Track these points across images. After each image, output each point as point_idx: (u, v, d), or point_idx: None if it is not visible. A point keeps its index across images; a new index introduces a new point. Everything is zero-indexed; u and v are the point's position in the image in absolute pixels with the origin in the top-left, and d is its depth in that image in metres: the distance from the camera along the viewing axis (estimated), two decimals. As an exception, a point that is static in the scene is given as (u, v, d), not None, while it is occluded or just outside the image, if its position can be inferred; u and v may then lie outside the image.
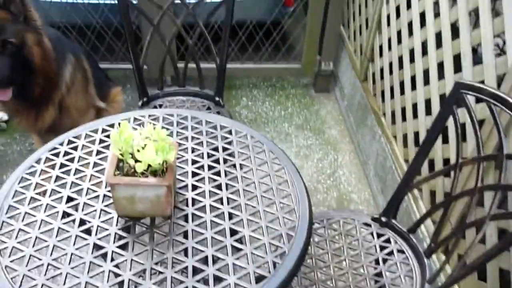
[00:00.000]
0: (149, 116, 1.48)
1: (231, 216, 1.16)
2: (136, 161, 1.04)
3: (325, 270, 1.43)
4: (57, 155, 1.32)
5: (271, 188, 1.24)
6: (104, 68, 2.62)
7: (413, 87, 1.98)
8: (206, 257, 1.04)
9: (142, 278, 1.00)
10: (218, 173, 1.28)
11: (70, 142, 1.37)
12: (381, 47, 2.35)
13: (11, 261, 1.03)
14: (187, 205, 1.17)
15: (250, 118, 2.96)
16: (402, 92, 2.09)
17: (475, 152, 1.25)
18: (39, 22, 1.85)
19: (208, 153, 1.34)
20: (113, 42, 2.93)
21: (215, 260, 1.04)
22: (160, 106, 2.09)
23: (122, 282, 1.00)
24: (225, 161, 1.33)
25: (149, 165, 1.05)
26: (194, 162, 1.31)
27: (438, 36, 1.78)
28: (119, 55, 2.98)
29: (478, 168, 1.19)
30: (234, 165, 1.31)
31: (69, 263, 1.02)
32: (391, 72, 2.22)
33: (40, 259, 1.04)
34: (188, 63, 2.07)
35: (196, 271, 1.02)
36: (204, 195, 1.20)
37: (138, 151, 1.03)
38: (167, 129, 1.43)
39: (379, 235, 1.54)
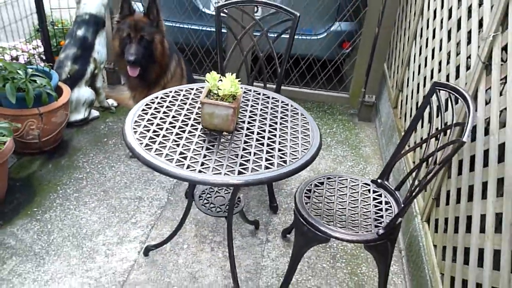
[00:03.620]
0: (227, 85, 2.23)
1: (269, 137, 1.83)
2: (218, 89, 1.77)
3: (329, 202, 2.03)
4: (167, 96, 2.09)
5: (298, 130, 1.91)
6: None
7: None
8: (249, 153, 1.72)
9: (207, 159, 1.69)
10: (265, 117, 1.97)
11: (175, 91, 2.14)
12: (408, 79, 2.99)
13: (149, 140, 1.78)
14: (242, 128, 1.87)
15: (300, 131, 3.64)
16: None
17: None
18: (164, 28, 2.73)
19: (262, 105, 2.05)
20: (203, 59, 3.80)
21: (254, 164, 1.72)
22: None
23: (197, 155, 1.70)
24: (271, 112, 2.02)
25: (224, 97, 1.77)
26: (251, 110, 2.02)
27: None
28: (206, 69, 3.84)
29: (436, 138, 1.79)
30: (276, 115, 2.00)
31: (169, 133, 1.75)
32: (412, 97, 2.84)
33: (157, 135, 1.77)
34: (253, 81, 2.82)
35: (242, 163, 1.70)
36: (254, 124, 1.90)
37: (220, 85, 1.76)
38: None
39: (374, 191, 2.13)
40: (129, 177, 2.94)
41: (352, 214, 1.98)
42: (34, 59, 3.49)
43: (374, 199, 2.08)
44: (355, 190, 2.14)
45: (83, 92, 3.34)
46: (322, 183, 2.16)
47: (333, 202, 2.04)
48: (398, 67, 3.32)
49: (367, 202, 2.06)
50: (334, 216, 1.95)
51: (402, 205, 1.82)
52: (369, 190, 2.14)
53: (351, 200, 2.07)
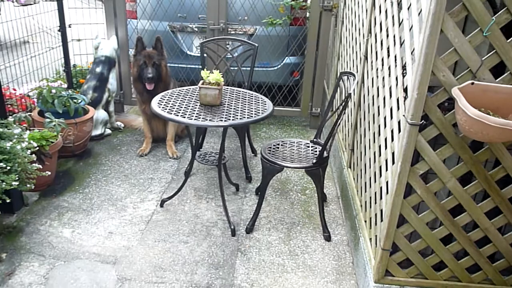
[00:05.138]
0: (212, 86, 3.42)
1: (241, 107, 2.99)
2: (208, 78, 2.94)
3: (283, 153, 3.16)
4: (174, 92, 3.25)
5: (259, 104, 3.09)
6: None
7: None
8: (230, 114, 2.87)
9: (205, 117, 2.83)
10: (238, 99, 3.14)
11: (178, 90, 3.31)
12: (337, 87, 4.25)
13: (168, 109, 2.91)
14: (225, 104, 3.03)
15: (266, 136, 4.82)
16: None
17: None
18: (166, 57, 3.94)
19: (236, 94, 3.23)
20: (189, 88, 5.00)
21: (233, 118, 2.87)
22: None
23: (199, 116, 2.83)
24: (242, 97, 3.20)
25: (212, 84, 2.94)
26: (229, 96, 3.20)
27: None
28: (191, 97, 5.03)
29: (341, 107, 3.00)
30: (246, 98, 3.18)
31: (179, 107, 2.88)
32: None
33: (174, 100, 2.91)
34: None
35: (227, 119, 2.85)
36: (232, 102, 3.06)
37: (210, 77, 2.95)
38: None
39: (312, 146, 3.28)
40: (141, 167, 4.00)
41: (298, 157, 3.12)
42: (61, 92, 4.60)
43: (312, 149, 3.24)
44: (300, 146, 3.29)
45: (100, 113, 4.45)
46: (278, 144, 3.30)
47: (286, 152, 3.18)
48: (332, 82, 4.60)
49: (307, 151, 3.21)
50: (286, 158, 3.09)
51: (324, 143, 2.98)
52: (308, 146, 3.30)
53: (298, 151, 3.21)
